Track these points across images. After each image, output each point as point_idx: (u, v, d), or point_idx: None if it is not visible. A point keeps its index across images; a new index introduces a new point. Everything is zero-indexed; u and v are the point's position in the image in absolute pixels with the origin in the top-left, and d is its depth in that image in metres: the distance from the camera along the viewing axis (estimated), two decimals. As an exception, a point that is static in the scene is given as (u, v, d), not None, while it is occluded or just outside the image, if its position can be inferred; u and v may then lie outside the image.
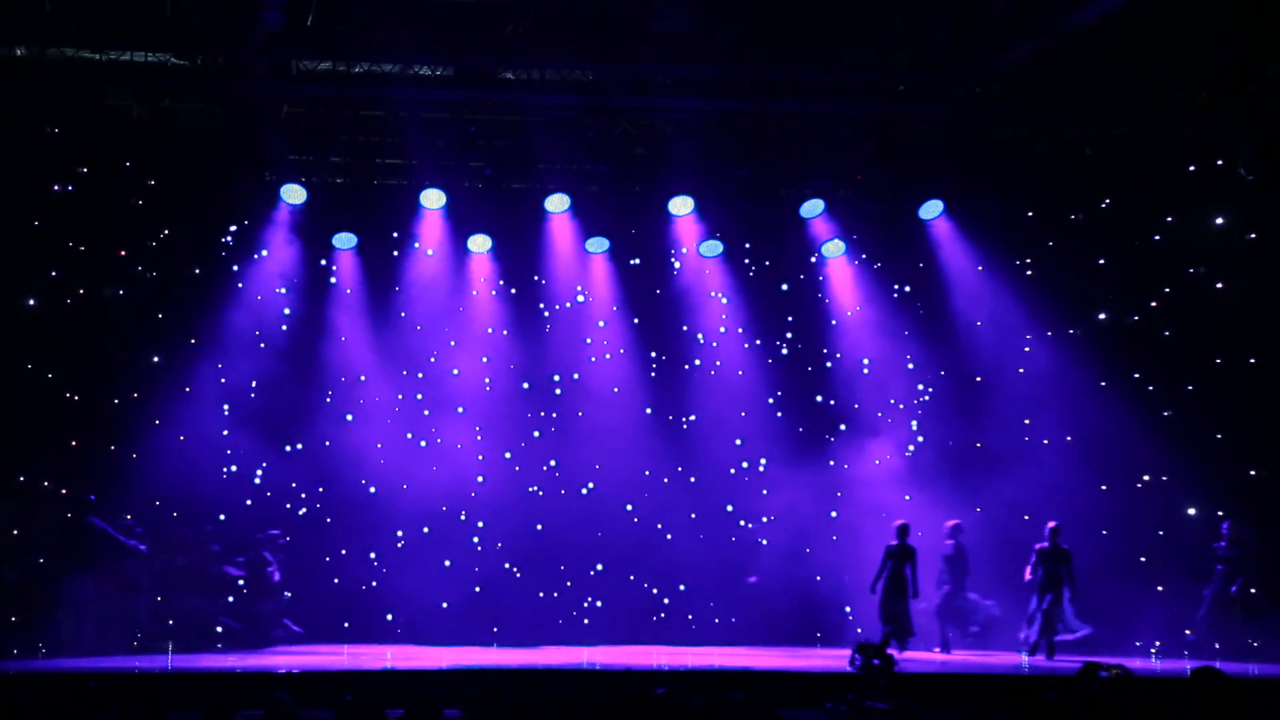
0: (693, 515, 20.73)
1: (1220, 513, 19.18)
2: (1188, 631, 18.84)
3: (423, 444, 20.52)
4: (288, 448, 20.17)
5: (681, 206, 20.28)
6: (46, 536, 18.52)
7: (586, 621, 20.33)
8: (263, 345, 19.99)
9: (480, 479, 20.48)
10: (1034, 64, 17.74)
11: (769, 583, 20.57)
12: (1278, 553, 18.89)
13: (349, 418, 20.38)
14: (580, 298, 21.13)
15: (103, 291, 19.51)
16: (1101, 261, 20.58)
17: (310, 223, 20.02)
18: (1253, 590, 18.89)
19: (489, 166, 19.89)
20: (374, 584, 20.08)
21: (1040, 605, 18.03)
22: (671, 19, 17.15)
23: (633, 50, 17.92)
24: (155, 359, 19.78)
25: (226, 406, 19.83)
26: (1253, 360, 19.73)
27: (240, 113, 19.47)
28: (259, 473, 20.00)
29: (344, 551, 20.03)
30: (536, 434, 20.90)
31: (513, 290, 20.93)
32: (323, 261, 20.45)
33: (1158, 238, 20.42)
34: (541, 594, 20.35)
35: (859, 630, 19.13)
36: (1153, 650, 18.51)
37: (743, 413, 21.06)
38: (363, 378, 20.48)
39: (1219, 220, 19.87)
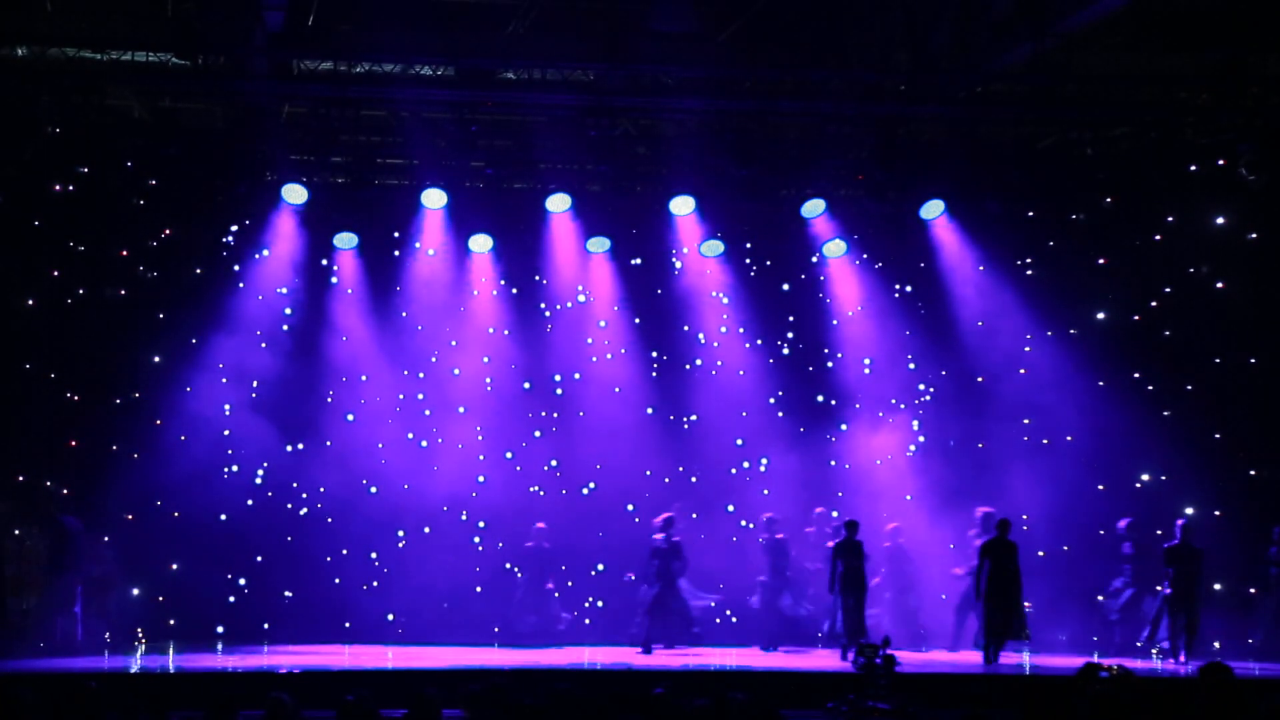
0: (694, 515, 20.72)
1: (1185, 511, 19.10)
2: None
3: (424, 444, 20.52)
4: (289, 448, 20.18)
5: (682, 206, 20.27)
6: (46, 536, 18.54)
7: (587, 621, 20.32)
8: (264, 345, 20.01)
9: (481, 479, 20.47)
10: (1034, 64, 17.74)
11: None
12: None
13: (350, 418, 20.40)
14: (581, 297, 21.13)
15: (103, 291, 19.51)
16: (1101, 261, 20.61)
17: (311, 223, 20.02)
18: (1252, 590, 18.90)
19: (490, 166, 19.91)
20: (374, 584, 20.08)
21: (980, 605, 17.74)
22: (671, 19, 17.14)
23: (633, 50, 17.91)
24: (155, 359, 19.79)
25: (227, 406, 19.85)
26: (1253, 360, 19.75)
27: (241, 113, 19.50)
28: (260, 472, 20.01)
29: (345, 551, 20.01)
30: (537, 434, 20.90)
31: (514, 290, 20.93)
32: (324, 261, 20.46)
33: (1158, 238, 20.46)
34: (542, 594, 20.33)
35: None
36: (1154, 650, 18.50)
37: (744, 413, 21.05)
38: (364, 378, 20.49)
39: (1219, 220, 19.90)
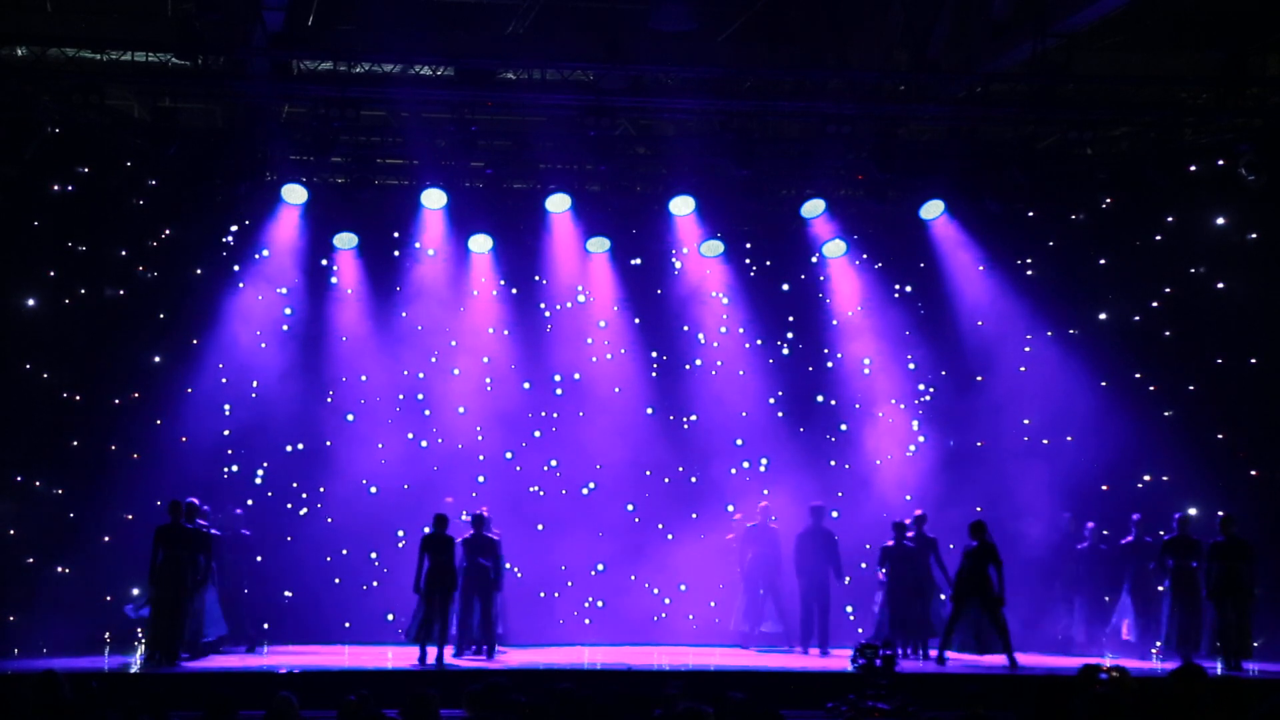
0: (694, 515, 20.72)
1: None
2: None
3: (423, 444, 20.53)
4: (289, 448, 20.19)
5: (682, 206, 20.28)
6: (46, 536, 18.54)
7: (587, 621, 20.32)
8: (263, 345, 20.03)
9: (481, 479, 20.47)
10: (1034, 64, 17.74)
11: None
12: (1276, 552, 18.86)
13: (350, 418, 20.41)
14: (581, 298, 21.14)
15: (103, 291, 19.49)
16: (1102, 261, 20.62)
17: (311, 223, 20.05)
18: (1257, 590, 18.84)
19: (490, 166, 19.90)
20: (374, 584, 20.08)
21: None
22: (671, 19, 17.14)
23: (633, 50, 17.90)
24: (155, 359, 19.78)
25: (227, 407, 19.88)
26: (1253, 360, 19.74)
27: (241, 113, 19.49)
28: (260, 472, 20.02)
29: (344, 551, 20.03)
30: (537, 434, 20.90)
31: (513, 290, 20.95)
32: (324, 262, 20.48)
33: (1158, 238, 20.47)
34: (542, 594, 20.34)
35: (859, 630, 19.12)
36: (1153, 650, 18.49)
37: (744, 413, 21.05)
38: (364, 378, 20.49)
39: (1220, 220, 19.90)
